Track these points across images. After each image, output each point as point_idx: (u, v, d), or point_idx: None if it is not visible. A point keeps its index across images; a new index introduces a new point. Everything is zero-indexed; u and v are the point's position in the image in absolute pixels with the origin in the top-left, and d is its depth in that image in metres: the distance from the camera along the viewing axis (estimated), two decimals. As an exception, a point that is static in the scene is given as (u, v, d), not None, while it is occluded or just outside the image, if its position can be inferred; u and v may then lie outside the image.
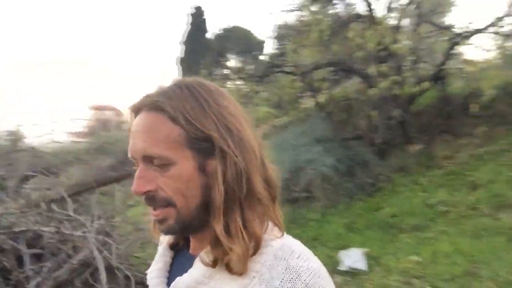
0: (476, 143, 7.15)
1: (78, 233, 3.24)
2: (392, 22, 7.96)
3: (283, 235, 0.80)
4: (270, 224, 0.79)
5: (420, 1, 8.03)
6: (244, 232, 0.74)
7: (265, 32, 57.53)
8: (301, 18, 9.08)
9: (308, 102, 9.62)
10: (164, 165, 0.75)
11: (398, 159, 7.66)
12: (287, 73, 9.08)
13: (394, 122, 7.82)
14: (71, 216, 3.51)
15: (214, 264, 0.76)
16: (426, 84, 7.28)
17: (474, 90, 7.36)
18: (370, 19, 7.80)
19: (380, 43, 7.32)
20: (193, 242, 0.86)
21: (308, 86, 8.75)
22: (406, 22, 8.64)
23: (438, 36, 8.14)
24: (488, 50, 7.53)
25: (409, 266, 5.02)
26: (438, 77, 7.53)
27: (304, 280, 0.73)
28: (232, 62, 45.17)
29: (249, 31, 46.49)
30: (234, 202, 0.75)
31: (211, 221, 0.76)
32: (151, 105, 0.78)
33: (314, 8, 8.04)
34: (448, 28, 7.75)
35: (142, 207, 0.93)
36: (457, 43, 7.05)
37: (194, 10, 41.34)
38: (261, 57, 44.89)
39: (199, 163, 0.76)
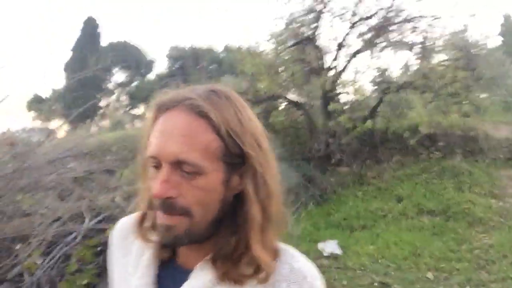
0: (393, 167, 9.73)
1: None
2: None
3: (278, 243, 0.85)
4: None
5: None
6: (270, 251, 0.79)
7: (158, 52, 57.93)
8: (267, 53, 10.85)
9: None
10: (194, 173, 0.74)
11: (337, 177, 9.88)
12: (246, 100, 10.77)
13: (331, 148, 10.07)
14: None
15: (222, 277, 0.77)
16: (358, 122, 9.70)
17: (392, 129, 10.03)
18: (320, 70, 10.05)
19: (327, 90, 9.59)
20: (185, 254, 0.84)
21: (264, 113, 10.58)
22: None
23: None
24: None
25: (370, 251, 7.09)
26: (367, 118, 10.01)
27: (309, 281, 0.79)
28: (120, 76, 44.56)
29: (140, 49, 46.50)
30: (266, 222, 0.78)
31: (249, 238, 0.77)
32: (192, 106, 0.75)
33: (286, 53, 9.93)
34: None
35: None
36: (387, 94, 9.65)
37: (87, 19, 40.37)
38: (150, 76, 45.19)
39: (226, 176, 0.77)
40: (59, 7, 53.23)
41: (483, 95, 10.31)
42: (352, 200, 9.10)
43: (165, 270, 0.85)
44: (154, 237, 0.84)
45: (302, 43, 10.17)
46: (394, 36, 9.94)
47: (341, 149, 9.68)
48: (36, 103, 37.97)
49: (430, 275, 6.07)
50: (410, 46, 9.78)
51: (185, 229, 0.75)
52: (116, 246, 0.93)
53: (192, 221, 0.75)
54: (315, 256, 7.12)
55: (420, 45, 9.67)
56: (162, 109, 0.77)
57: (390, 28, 9.76)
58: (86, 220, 3.24)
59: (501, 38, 22.07)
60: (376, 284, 5.86)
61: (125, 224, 0.92)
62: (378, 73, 9.70)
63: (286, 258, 0.80)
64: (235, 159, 0.76)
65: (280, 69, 10.89)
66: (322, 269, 6.47)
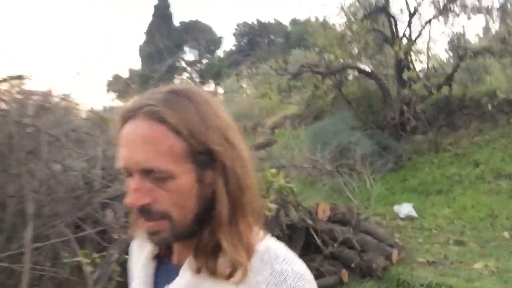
0: (471, 133, 9.70)
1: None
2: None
3: (265, 237, 0.82)
4: (256, 228, 0.81)
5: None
6: (242, 243, 0.76)
7: (226, 29, 58.88)
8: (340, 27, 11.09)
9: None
10: (164, 178, 0.74)
11: (412, 144, 10.05)
12: (317, 72, 11.15)
13: (406, 116, 10.19)
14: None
15: (198, 271, 0.77)
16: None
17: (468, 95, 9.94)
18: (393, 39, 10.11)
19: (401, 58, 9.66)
20: (177, 252, 0.86)
21: (336, 83, 10.90)
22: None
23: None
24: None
25: (447, 213, 7.33)
26: (443, 84, 9.98)
27: (290, 284, 0.75)
28: (191, 55, 46.14)
29: (209, 27, 47.62)
30: (237, 214, 0.77)
31: (216, 232, 0.76)
32: (150, 113, 0.75)
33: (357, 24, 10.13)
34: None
35: None
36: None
37: (158, 2, 42.08)
38: (219, 53, 46.27)
39: (198, 175, 0.76)
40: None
41: None
42: (428, 166, 9.26)
43: (162, 268, 0.88)
44: None
45: (375, 13, 10.26)
46: (469, 1, 9.73)
47: (416, 117, 9.78)
48: (116, 84, 40.67)
49: (506, 234, 6.25)
50: (487, 10, 9.52)
51: (169, 231, 0.76)
52: (133, 254, 0.97)
53: (174, 223, 0.76)
54: (391, 217, 7.52)
55: (498, 8, 9.39)
56: (125, 118, 0.77)
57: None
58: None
59: None
60: (451, 241, 6.16)
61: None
62: (454, 39, 9.57)
63: (269, 258, 0.77)
64: (203, 157, 0.75)
65: (352, 40, 11.06)
66: (399, 229, 6.88)
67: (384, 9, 10.27)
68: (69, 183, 3.77)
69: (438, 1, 9.77)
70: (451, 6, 9.98)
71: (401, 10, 10.39)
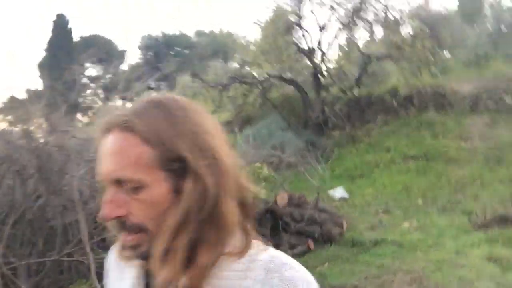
0: (379, 125, 11.62)
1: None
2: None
3: (267, 248, 0.79)
4: (254, 239, 0.78)
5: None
6: (184, 260, 0.72)
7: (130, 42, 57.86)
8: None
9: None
10: (136, 188, 0.73)
11: (333, 139, 11.72)
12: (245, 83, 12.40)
13: (326, 115, 11.85)
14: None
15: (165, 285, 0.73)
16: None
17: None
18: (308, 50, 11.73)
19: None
20: None
21: (262, 91, 12.24)
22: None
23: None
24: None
25: (371, 192, 8.96)
26: (353, 86, 11.79)
27: None
28: (92, 70, 45.02)
29: (110, 40, 46.75)
30: (188, 226, 0.72)
31: (156, 239, 0.73)
32: (121, 124, 0.75)
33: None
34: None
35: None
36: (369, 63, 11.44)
37: (57, 17, 40.52)
38: (123, 67, 45.69)
39: (173, 184, 0.73)
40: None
41: (448, 56, 12.21)
42: (349, 156, 10.94)
43: (154, 281, 0.80)
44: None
45: (291, 28, 11.78)
46: (369, 15, 11.68)
47: (334, 115, 11.45)
48: (12, 106, 38.29)
49: (419, 201, 7.98)
50: (383, 23, 11.52)
51: (148, 244, 0.74)
52: (112, 271, 0.93)
53: (152, 236, 0.73)
54: (329, 201, 8.95)
55: (391, 20, 11.43)
56: (103, 132, 0.77)
57: (365, 9, 11.47)
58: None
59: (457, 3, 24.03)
60: (380, 212, 7.71)
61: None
62: (360, 48, 11.43)
63: (276, 266, 0.75)
64: (176, 165, 0.73)
65: (272, 53, 12.45)
66: (337, 208, 8.30)
67: (299, 25, 11.84)
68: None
69: (343, 16, 11.59)
70: (354, 21, 11.84)
71: (313, 25, 12.02)
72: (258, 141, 10.55)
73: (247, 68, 13.40)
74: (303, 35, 12.16)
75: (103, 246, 3.91)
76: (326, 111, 11.40)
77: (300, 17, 11.95)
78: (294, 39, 11.99)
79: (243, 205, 0.77)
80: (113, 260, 0.92)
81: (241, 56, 12.48)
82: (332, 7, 11.82)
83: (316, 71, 11.90)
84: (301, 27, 11.99)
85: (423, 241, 5.95)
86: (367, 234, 6.25)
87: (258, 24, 12.65)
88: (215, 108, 12.71)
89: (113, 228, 0.76)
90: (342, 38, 12.48)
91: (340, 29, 11.99)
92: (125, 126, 0.74)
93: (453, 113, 11.25)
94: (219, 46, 32.68)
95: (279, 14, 12.11)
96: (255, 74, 12.29)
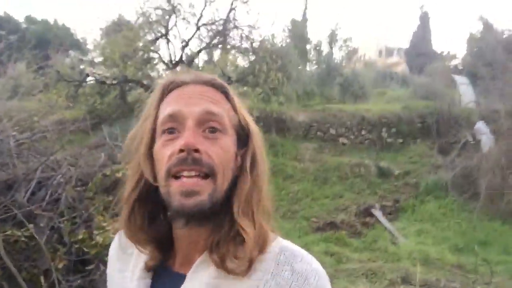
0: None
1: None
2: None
3: (276, 237, 0.81)
4: (268, 228, 0.81)
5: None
6: (258, 229, 0.76)
7: None
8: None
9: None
10: (219, 131, 0.76)
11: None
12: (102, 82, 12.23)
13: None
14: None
15: (221, 263, 0.74)
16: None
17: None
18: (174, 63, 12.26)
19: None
20: (179, 258, 0.83)
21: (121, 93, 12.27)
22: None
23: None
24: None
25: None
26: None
27: (312, 283, 0.74)
28: None
29: None
30: (257, 199, 0.78)
31: (235, 209, 0.75)
32: (211, 82, 0.80)
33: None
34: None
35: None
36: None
37: None
38: None
39: (236, 147, 0.80)
40: None
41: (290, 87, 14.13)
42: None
43: (160, 278, 0.83)
44: (145, 239, 0.82)
45: (158, 39, 12.20)
46: (228, 40, 12.85)
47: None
48: None
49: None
50: (238, 48, 12.81)
51: (209, 194, 0.73)
52: (114, 259, 0.92)
53: (215, 185, 0.74)
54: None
55: (247, 47, 12.79)
56: (175, 85, 0.80)
57: (225, 33, 12.62)
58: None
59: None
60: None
61: (123, 237, 0.86)
62: (220, 69, 12.45)
63: (286, 258, 0.76)
64: (243, 136, 0.80)
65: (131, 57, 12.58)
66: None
67: (165, 36, 12.32)
68: None
69: (205, 37, 12.55)
70: (214, 41, 12.87)
71: (177, 40, 12.66)
72: (114, 142, 10.57)
73: (103, 68, 13.26)
74: (169, 47, 12.68)
75: None
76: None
77: (167, 29, 12.45)
78: (159, 49, 12.40)
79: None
80: (116, 249, 0.92)
81: (94, 55, 12.30)
82: (197, 25, 12.64)
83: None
84: (167, 39, 12.50)
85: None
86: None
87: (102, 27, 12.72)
88: (68, 104, 12.18)
89: (174, 167, 0.74)
90: (204, 57, 13.40)
91: (201, 48, 12.87)
92: (218, 85, 0.82)
93: (290, 137, 13.06)
94: (54, 38, 30.41)
95: (145, 21, 12.41)
96: (107, 74, 12.24)
